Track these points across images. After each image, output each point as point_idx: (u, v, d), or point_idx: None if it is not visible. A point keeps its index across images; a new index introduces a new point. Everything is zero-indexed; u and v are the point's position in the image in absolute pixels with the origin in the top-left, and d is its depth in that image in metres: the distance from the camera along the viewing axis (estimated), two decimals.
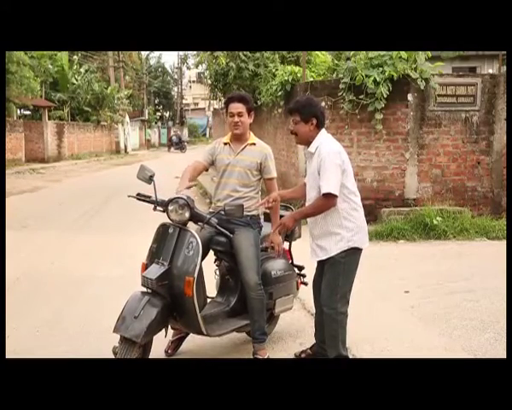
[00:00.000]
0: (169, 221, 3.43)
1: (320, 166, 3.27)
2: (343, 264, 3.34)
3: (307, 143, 3.43)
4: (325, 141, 3.39)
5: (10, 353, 3.09)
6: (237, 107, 3.67)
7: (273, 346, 3.94)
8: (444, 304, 4.90)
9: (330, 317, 3.37)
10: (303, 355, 3.75)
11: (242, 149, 3.73)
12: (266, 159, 3.73)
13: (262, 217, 3.92)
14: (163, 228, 3.46)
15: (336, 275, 3.35)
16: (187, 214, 3.38)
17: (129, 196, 3.64)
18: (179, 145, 36.76)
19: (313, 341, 3.84)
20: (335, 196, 3.24)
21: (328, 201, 3.25)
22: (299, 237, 4.22)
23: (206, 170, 3.88)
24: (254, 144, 3.76)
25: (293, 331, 4.24)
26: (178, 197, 3.41)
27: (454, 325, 4.40)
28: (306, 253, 3.75)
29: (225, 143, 3.80)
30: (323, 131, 3.44)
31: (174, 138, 38.23)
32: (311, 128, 3.39)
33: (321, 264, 3.51)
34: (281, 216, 4.06)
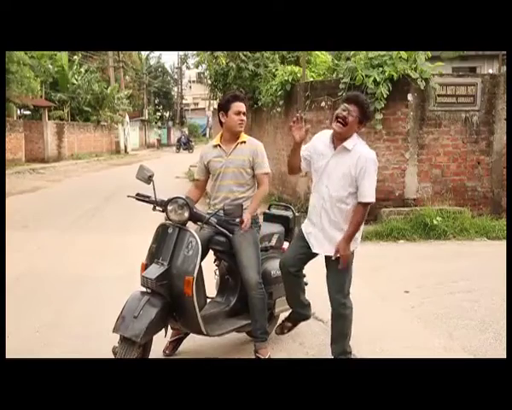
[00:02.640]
0: (168, 221, 3.43)
1: (363, 171, 3.25)
2: (352, 261, 3.43)
3: (343, 138, 3.31)
4: (365, 145, 3.38)
5: (10, 353, 3.09)
6: (243, 106, 3.72)
7: (273, 346, 3.94)
8: (444, 304, 4.90)
9: (339, 314, 3.43)
10: (285, 331, 3.78)
11: (234, 148, 3.73)
12: (256, 155, 3.72)
13: (261, 217, 3.93)
14: (162, 228, 3.46)
15: (345, 273, 3.39)
16: (186, 214, 3.38)
17: (128, 196, 3.64)
18: (187, 145, 37.70)
19: (313, 341, 3.87)
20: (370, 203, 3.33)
21: (367, 208, 3.32)
22: None
23: (207, 180, 3.90)
24: (245, 142, 3.76)
25: (293, 331, 4.22)
26: (178, 197, 3.41)
27: (454, 324, 4.40)
28: None
29: (215, 146, 3.80)
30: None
31: (183, 139, 38.88)
32: (357, 130, 3.34)
33: (306, 249, 3.47)
34: (282, 216, 4.08)
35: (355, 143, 3.31)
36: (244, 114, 3.71)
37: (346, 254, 3.29)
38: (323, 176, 3.38)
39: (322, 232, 3.41)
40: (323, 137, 3.45)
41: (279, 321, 4.18)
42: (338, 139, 3.33)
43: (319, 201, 3.40)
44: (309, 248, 3.46)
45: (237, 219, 3.48)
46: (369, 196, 3.28)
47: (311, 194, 3.53)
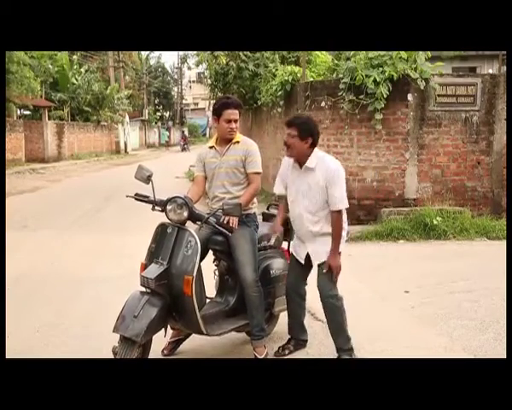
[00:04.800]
0: (168, 221, 3.43)
1: (330, 181, 3.45)
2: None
3: (298, 158, 3.55)
4: (327, 156, 3.58)
5: (10, 353, 3.09)
6: (235, 113, 3.69)
7: (273, 346, 3.94)
8: (444, 304, 4.90)
9: (334, 306, 3.57)
10: (287, 352, 3.84)
11: (227, 149, 3.74)
12: (248, 154, 3.72)
13: (260, 217, 3.93)
14: (162, 228, 3.46)
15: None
16: (185, 214, 3.38)
17: (127, 197, 3.64)
18: (183, 146, 38.96)
19: (313, 341, 3.88)
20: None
21: (342, 214, 3.50)
22: None
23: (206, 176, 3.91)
24: (238, 142, 3.76)
25: None
26: (176, 197, 3.41)
27: (454, 325, 4.40)
28: None
29: (211, 147, 3.83)
30: (317, 149, 3.58)
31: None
32: (306, 146, 3.50)
33: (300, 264, 3.71)
34: (273, 215, 4.11)
35: (318, 159, 3.51)
36: (236, 121, 3.69)
37: (338, 265, 3.52)
38: (298, 196, 3.59)
39: (310, 244, 3.62)
40: (290, 162, 3.66)
41: (279, 321, 4.20)
42: (299, 162, 3.56)
43: (301, 220, 3.61)
44: (302, 265, 3.70)
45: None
46: (339, 203, 3.47)
47: (291, 212, 3.71)
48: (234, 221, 3.42)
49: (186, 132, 45.81)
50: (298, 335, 3.92)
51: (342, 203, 3.48)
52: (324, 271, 3.54)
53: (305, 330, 3.98)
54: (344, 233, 3.61)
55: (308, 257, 3.65)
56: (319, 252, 3.58)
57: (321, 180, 3.47)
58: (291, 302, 3.83)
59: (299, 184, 3.58)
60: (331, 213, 3.50)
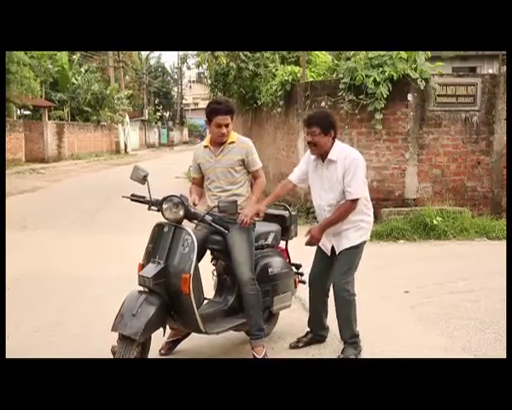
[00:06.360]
0: (164, 221, 3.44)
1: (348, 171, 3.52)
2: (360, 251, 3.69)
3: (325, 153, 3.61)
4: (347, 148, 3.68)
5: (10, 353, 3.09)
6: (225, 119, 3.66)
7: (273, 346, 3.94)
8: (444, 304, 4.90)
9: (344, 299, 3.63)
10: (300, 344, 3.91)
11: (222, 149, 3.74)
12: (248, 154, 3.75)
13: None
14: (158, 227, 3.47)
15: (353, 261, 3.67)
16: (181, 212, 3.39)
17: (123, 197, 3.65)
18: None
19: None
20: (358, 200, 3.56)
21: (354, 205, 3.57)
22: (296, 235, 4.24)
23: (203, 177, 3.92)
24: (234, 142, 3.75)
25: (294, 331, 4.23)
26: (172, 195, 3.42)
27: (454, 325, 4.40)
28: (303, 251, 3.87)
29: (205, 147, 3.83)
30: (337, 140, 3.67)
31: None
32: (330, 139, 3.59)
33: (326, 258, 3.75)
34: (278, 215, 4.11)
35: (339, 151, 3.60)
36: (227, 125, 3.67)
37: (316, 237, 3.61)
38: (321, 191, 3.69)
39: (334, 236, 3.69)
40: (311, 158, 3.76)
41: (279, 321, 4.20)
42: (322, 157, 3.65)
43: (321, 212, 3.72)
44: (328, 258, 3.76)
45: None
46: (356, 192, 3.54)
47: (314, 205, 3.82)
48: (248, 218, 3.54)
49: (185, 133, 46.11)
50: (316, 329, 3.97)
51: (357, 193, 3.53)
52: (304, 235, 3.66)
53: (325, 327, 4.00)
54: (367, 225, 3.68)
55: (333, 249, 3.73)
56: (342, 242, 3.65)
57: (340, 169, 3.54)
58: (313, 295, 3.89)
59: (322, 180, 3.67)
60: (346, 200, 3.56)
